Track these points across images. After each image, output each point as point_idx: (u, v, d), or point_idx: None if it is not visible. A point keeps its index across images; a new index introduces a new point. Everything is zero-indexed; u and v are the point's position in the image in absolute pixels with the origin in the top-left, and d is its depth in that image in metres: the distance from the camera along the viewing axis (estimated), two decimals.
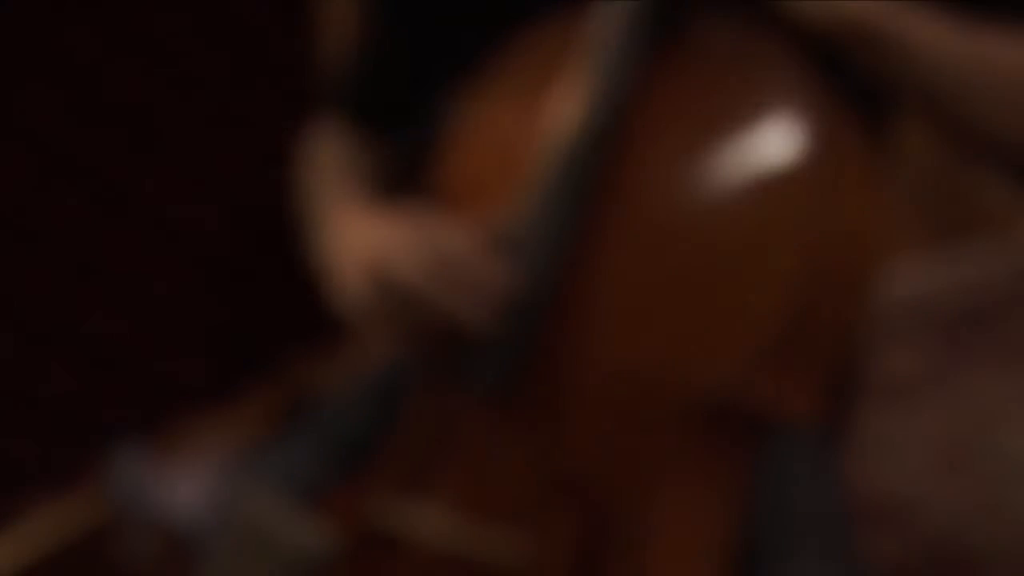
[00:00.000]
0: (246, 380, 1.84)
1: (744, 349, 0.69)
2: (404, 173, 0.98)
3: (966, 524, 1.70)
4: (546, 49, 0.81)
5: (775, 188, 0.72)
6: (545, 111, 0.77)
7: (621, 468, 0.72)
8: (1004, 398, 2.00)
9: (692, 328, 0.71)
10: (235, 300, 1.78)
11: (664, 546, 0.72)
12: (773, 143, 0.73)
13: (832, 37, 0.73)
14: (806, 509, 0.88)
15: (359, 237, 0.79)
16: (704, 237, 0.73)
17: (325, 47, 1.64)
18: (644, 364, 0.72)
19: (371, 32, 1.00)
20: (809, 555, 0.83)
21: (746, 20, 0.76)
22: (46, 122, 1.43)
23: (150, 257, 1.63)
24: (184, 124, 1.62)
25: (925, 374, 2.08)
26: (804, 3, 0.72)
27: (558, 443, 0.74)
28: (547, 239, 0.73)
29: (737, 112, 0.74)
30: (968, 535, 1.68)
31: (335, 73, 1.05)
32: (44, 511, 1.61)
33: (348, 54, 1.03)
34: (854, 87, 0.77)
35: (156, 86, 1.55)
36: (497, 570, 0.72)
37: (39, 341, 1.53)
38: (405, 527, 0.75)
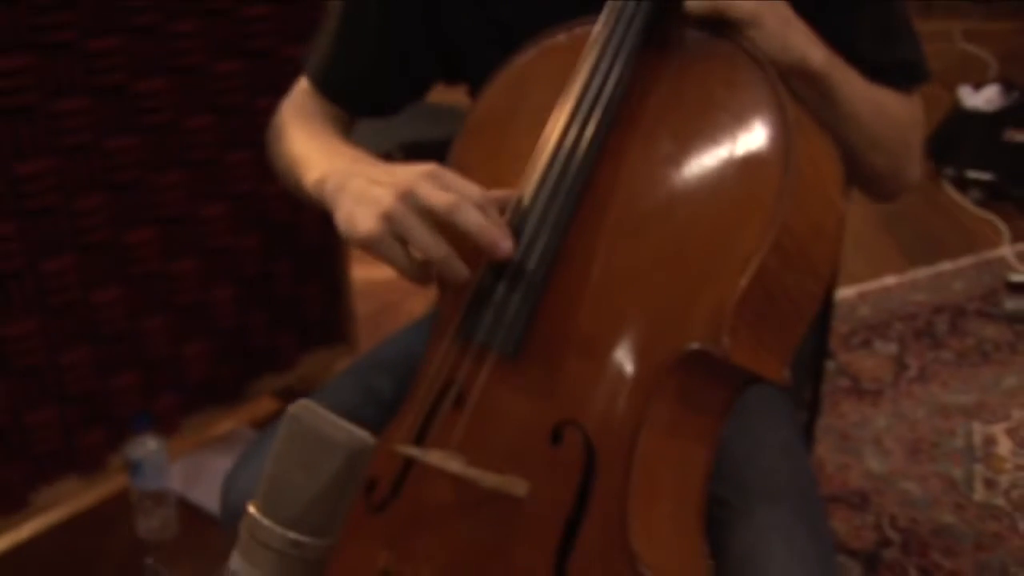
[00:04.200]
0: (255, 374, 1.91)
1: (718, 311, 0.76)
2: None
3: (934, 505, 1.78)
4: (558, 52, 0.90)
5: (748, 176, 0.80)
6: (554, 108, 0.85)
7: (613, 416, 0.80)
8: (958, 397, 2.09)
9: (674, 292, 0.78)
10: (251, 304, 1.85)
11: (646, 486, 0.79)
12: (747, 136, 0.81)
13: (787, 73, 0.83)
14: (774, 452, 0.96)
15: (378, 171, 0.83)
16: (686, 213, 0.80)
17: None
18: (634, 323, 0.79)
19: (353, 26, 1.04)
20: (778, 504, 0.91)
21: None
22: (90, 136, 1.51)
23: (178, 263, 1.71)
24: (220, 144, 1.70)
25: (895, 378, 2.16)
26: (765, 43, 0.82)
27: (558, 393, 0.81)
28: (550, 215, 0.81)
29: (715, 105, 0.83)
30: (937, 514, 1.75)
31: (312, 53, 1.08)
32: (76, 487, 1.69)
33: (326, 40, 1.06)
34: None
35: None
36: (504, 503, 0.80)
37: (77, 338, 1.60)
38: (425, 462, 0.82)
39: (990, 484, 1.81)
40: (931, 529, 1.70)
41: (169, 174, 1.64)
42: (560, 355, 0.80)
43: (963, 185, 3.03)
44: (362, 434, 0.55)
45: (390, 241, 0.79)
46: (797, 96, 0.83)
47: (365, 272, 2.23)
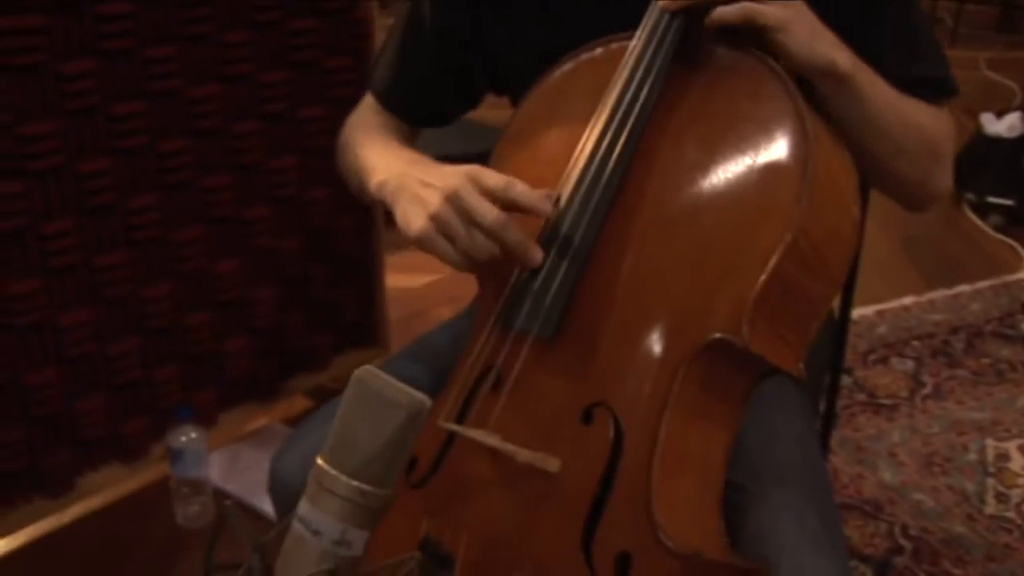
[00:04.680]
0: (290, 373, 1.98)
1: (739, 304, 0.82)
2: None
3: (945, 516, 1.83)
4: (595, 66, 0.97)
5: (769, 182, 0.87)
6: (591, 116, 0.93)
7: (640, 399, 0.86)
8: (972, 414, 2.14)
9: (699, 285, 0.85)
10: (290, 305, 1.92)
11: (669, 465, 0.85)
12: (769, 146, 0.88)
13: (815, 76, 0.90)
14: (789, 441, 1.02)
15: (431, 172, 0.90)
16: (711, 214, 0.86)
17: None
18: (661, 313, 0.86)
19: (411, 47, 1.13)
20: (791, 490, 0.97)
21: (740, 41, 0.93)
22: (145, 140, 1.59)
23: (223, 263, 1.78)
24: (265, 150, 1.78)
25: (910, 394, 2.21)
26: (794, 47, 0.89)
27: (590, 376, 0.88)
28: (586, 213, 0.88)
29: (739, 116, 0.89)
30: (948, 525, 1.80)
31: (376, 70, 1.17)
32: (119, 473, 1.76)
33: (388, 58, 1.15)
34: None
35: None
36: (537, 478, 0.86)
37: (126, 330, 1.67)
38: (466, 435, 0.89)
39: (1002, 498, 1.86)
40: (942, 539, 1.75)
41: (217, 177, 1.72)
42: (593, 341, 0.87)
43: (983, 210, 3.08)
44: (421, 396, 0.62)
45: (438, 238, 0.87)
46: (818, 109, 0.90)
47: (398, 280, 2.31)
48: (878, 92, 0.94)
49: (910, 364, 2.31)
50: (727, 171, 0.87)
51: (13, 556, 1.71)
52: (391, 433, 0.62)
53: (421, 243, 0.87)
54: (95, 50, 1.50)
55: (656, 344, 0.85)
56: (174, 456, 1.72)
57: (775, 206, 0.84)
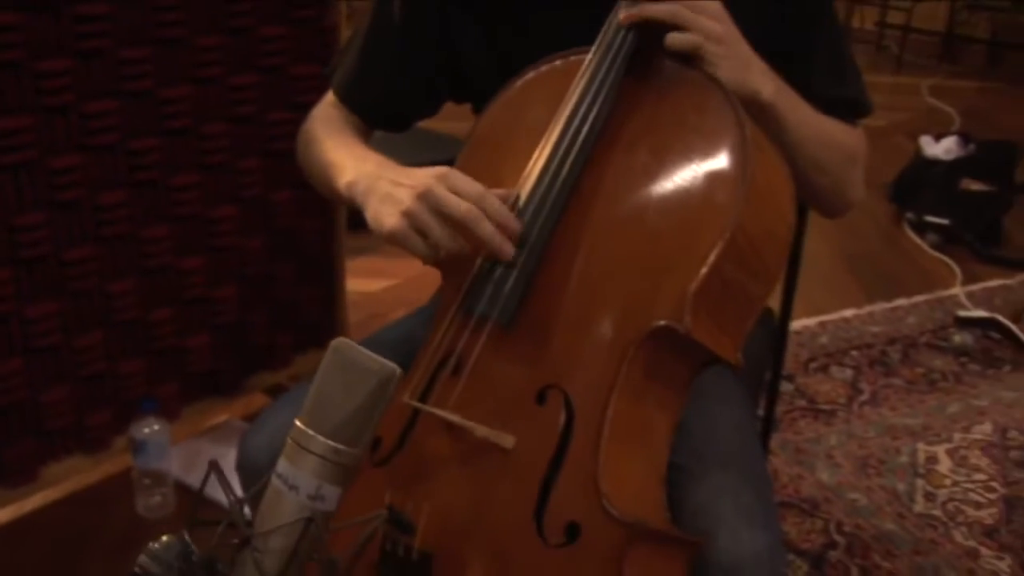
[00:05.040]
0: (251, 370, 2.02)
1: (682, 295, 0.89)
2: None
3: (877, 514, 1.92)
4: (555, 77, 1.04)
5: (711, 184, 0.94)
6: (550, 123, 1.00)
7: (590, 382, 0.93)
8: (905, 420, 2.24)
9: (646, 277, 0.91)
10: (252, 304, 1.97)
11: (616, 443, 0.92)
12: (712, 152, 0.95)
13: (742, 102, 0.98)
14: (727, 427, 1.10)
15: (400, 173, 0.96)
16: (658, 214, 0.93)
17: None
18: (611, 303, 0.93)
19: (376, 46, 1.17)
20: (730, 472, 1.04)
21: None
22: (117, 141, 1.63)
23: (188, 260, 1.83)
24: (232, 151, 1.83)
25: (848, 401, 2.31)
26: (726, 77, 0.97)
27: (544, 360, 0.94)
28: (543, 211, 0.95)
29: (685, 124, 0.97)
30: (879, 522, 1.89)
31: (340, 65, 1.21)
32: (82, 464, 1.79)
33: (351, 56, 1.19)
34: None
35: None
36: (494, 454, 0.93)
37: (92, 323, 1.71)
38: (428, 411, 0.95)
39: (930, 497, 1.96)
40: (873, 535, 1.84)
41: (185, 176, 1.76)
42: (547, 328, 0.94)
43: (922, 229, 3.21)
44: (392, 364, 0.68)
45: (410, 234, 0.93)
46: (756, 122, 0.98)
47: (357, 284, 2.37)
48: (799, 116, 1.03)
49: (849, 372, 2.41)
50: (673, 175, 0.94)
51: None
52: (364, 397, 0.68)
53: (394, 238, 0.93)
54: (71, 49, 1.54)
55: (605, 331, 0.93)
56: (137, 447, 1.76)
57: (716, 207, 0.91)
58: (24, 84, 1.51)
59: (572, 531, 0.88)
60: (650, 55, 1.00)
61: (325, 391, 0.68)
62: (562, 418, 0.92)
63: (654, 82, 1.00)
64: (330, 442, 0.68)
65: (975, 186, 3.22)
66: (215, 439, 1.98)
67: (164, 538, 0.68)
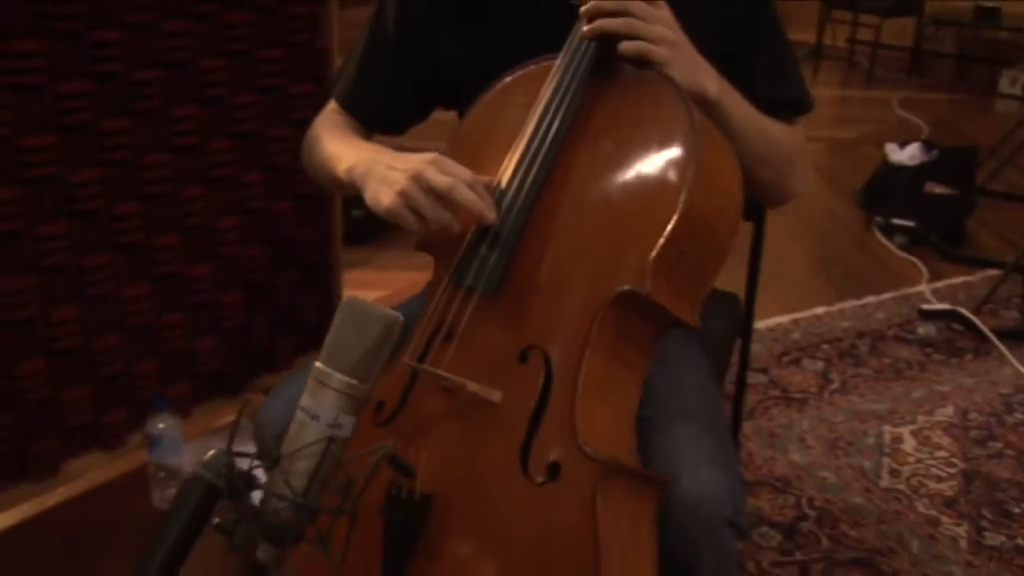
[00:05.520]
0: (255, 372, 2.14)
1: (643, 262, 1.02)
2: None
3: (845, 489, 2.05)
4: (528, 80, 1.18)
5: (667, 167, 1.08)
6: (525, 119, 1.14)
7: (566, 342, 1.05)
8: (873, 405, 2.38)
9: (612, 249, 1.04)
10: (256, 309, 2.09)
11: (590, 395, 1.04)
12: (667, 140, 1.09)
13: (692, 99, 1.12)
14: (691, 386, 1.23)
15: (396, 159, 1.09)
16: (621, 193, 1.07)
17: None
18: (582, 271, 1.05)
19: (372, 58, 1.32)
20: (692, 423, 1.17)
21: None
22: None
23: (196, 267, 1.95)
24: (236, 164, 1.96)
25: (819, 389, 2.44)
26: (675, 75, 1.11)
27: (525, 324, 1.07)
28: (521, 194, 1.08)
29: (643, 117, 1.11)
30: (847, 497, 2.02)
31: (341, 76, 1.36)
32: (101, 460, 1.91)
33: (351, 67, 1.33)
34: None
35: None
36: (484, 408, 1.05)
37: (109, 326, 1.83)
38: (426, 370, 1.08)
39: (895, 473, 2.09)
40: (842, 508, 1.97)
41: (193, 188, 1.89)
42: (527, 296, 1.07)
43: (890, 231, 3.36)
44: (395, 312, 0.81)
45: (405, 212, 1.06)
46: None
47: (354, 291, 2.49)
48: (741, 113, 1.17)
49: (820, 364, 2.54)
50: (634, 160, 1.08)
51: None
52: (373, 340, 0.81)
53: (391, 215, 1.07)
54: (88, 73, 1.68)
55: (578, 297, 1.06)
56: (152, 442, 1.88)
57: (671, 186, 1.05)
58: (47, 105, 1.64)
59: (553, 470, 1.01)
60: (612, 59, 1.14)
61: (339, 338, 0.81)
62: (542, 374, 1.05)
63: (616, 82, 1.14)
64: (345, 378, 0.80)
65: (939, 189, 3.37)
66: (226, 437, 2.09)
67: (211, 452, 0.80)
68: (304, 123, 1.75)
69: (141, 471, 1.95)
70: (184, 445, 1.94)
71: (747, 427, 2.23)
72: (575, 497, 1.00)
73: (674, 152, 1.07)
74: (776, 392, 2.40)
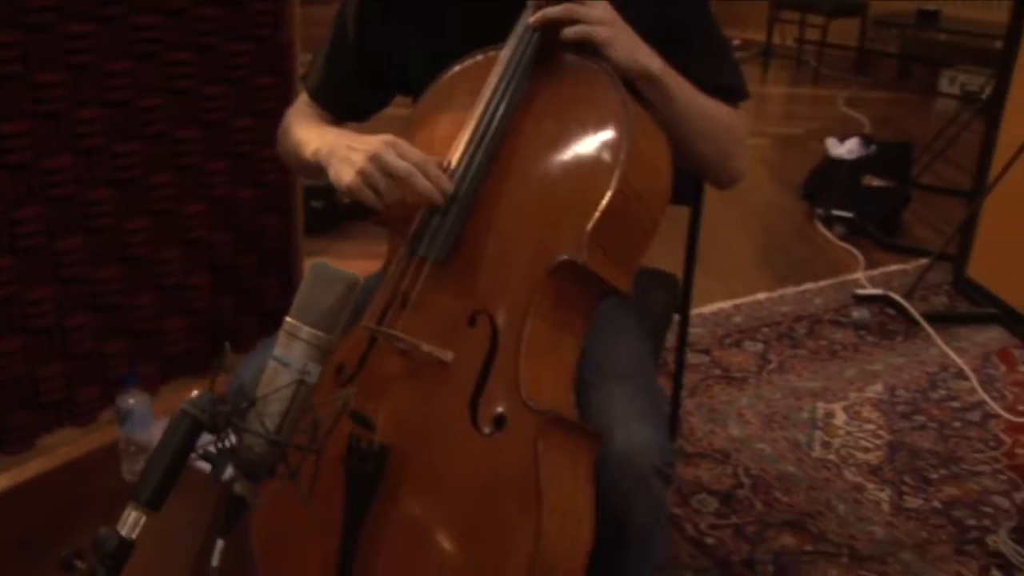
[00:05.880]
0: (220, 351, 2.22)
1: (580, 233, 1.14)
2: None
3: (780, 460, 2.18)
4: (476, 68, 1.29)
5: (602, 146, 1.19)
6: (473, 104, 1.25)
7: (510, 307, 1.16)
8: (808, 384, 2.52)
9: (552, 221, 1.16)
10: (222, 291, 2.18)
11: (533, 354, 1.15)
12: (602, 121, 1.20)
13: (635, 77, 1.24)
14: (626, 352, 1.34)
15: (356, 140, 1.20)
16: (561, 170, 1.18)
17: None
18: (524, 243, 1.17)
19: (337, 55, 1.43)
20: (626, 384, 1.28)
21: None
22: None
23: (165, 251, 2.04)
24: (203, 153, 2.05)
25: (758, 369, 2.58)
26: (617, 56, 1.22)
27: (474, 291, 1.17)
28: (470, 171, 1.19)
29: (581, 102, 1.22)
30: (781, 466, 2.16)
31: (310, 71, 1.47)
32: (73, 435, 2.00)
33: (319, 63, 1.45)
34: None
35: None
36: (437, 367, 1.16)
37: (81, 306, 1.92)
38: (384, 336, 1.19)
39: (826, 445, 2.23)
40: (776, 476, 2.10)
41: (161, 175, 1.98)
42: (475, 265, 1.18)
43: (829, 222, 3.51)
44: (355, 273, 0.92)
45: (363, 187, 1.17)
46: (641, 101, 1.23)
47: None
48: (683, 91, 1.28)
49: (760, 346, 2.68)
50: (573, 141, 1.20)
51: None
52: (336, 297, 0.91)
53: (351, 191, 1.17)
54: (62, 63, 1.76)
55: (521, 265, 1.17)
56: (123, 417, 1.96)
57: (605, 165, 1.17)
58: (22, 94, 1.72)
59: (499, 421, 1.12)
60: (553, 48, 1.25)
61: (306, 296, 0.92)
62: (489, 336, 1.16)
63: (557, 69, 1.25)
64: (313, 330, 0.91)
65: (876, 182, 3.53)
66: None
67: (196, 392, 0.90)
68: (268, 113, 1.87)
69: (112, 446, 2.04)
70: (154, 421, 2.02)
71: (689, 404, 2.36)
72: (519, 446, 1.11)
73: (609, 134, 1.19)
74: (717, 372, 2.53)
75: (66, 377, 1.94)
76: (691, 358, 2.57)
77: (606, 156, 1.18)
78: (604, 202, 1.15)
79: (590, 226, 1.14)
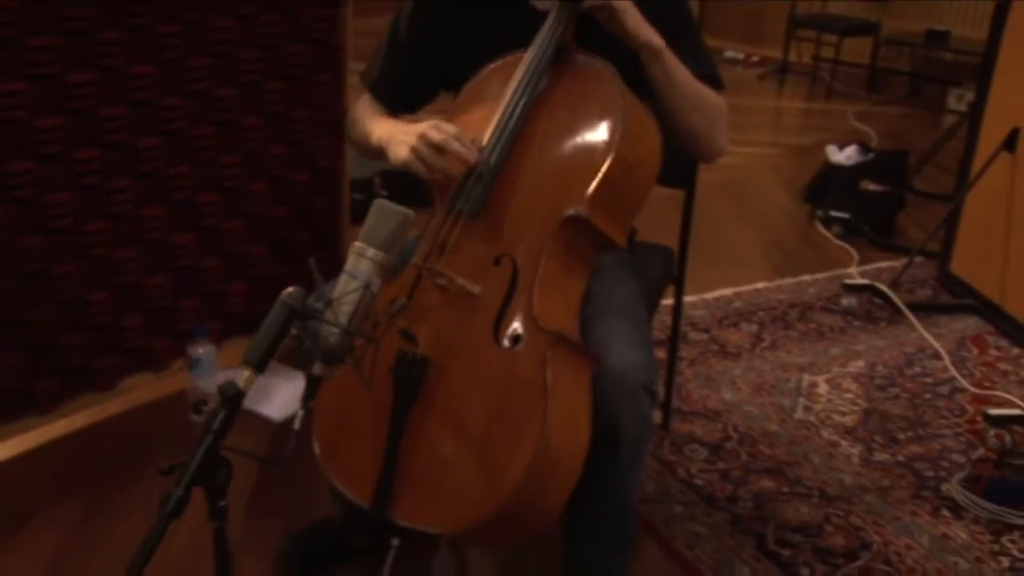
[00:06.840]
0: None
1: (583, 193, 1.44)
2: None
3: (765, 420, 2.46)
4: (505, 68, 1.60)
5: (603, 126, 1.49)
6: (501, 95, 1.55)
7: (528, 252, 1.46)
8: (796, 359, 2.80)
9: (562, 184, 1.46)
10: (279, 260, 2.49)
11: (545, 290, 1.45)
12: (604, 108, 1.51)
13: (641, 47, 1.53)
14: (622, 295, 1.64)
15: (409, 127, 1.51)
16: (571, 145, 1.49)
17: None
18: (541, 199, 1.47)
19: (392, 56, 1.74)
20: (621, 319, 1.57)
21: (596, 50, 1.56)
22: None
23: (233, 223, 2.35)
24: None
25: (752, 346, 2.86)
26: (630, 25, 1.50)
27: (499, 238, 1.48)
28: (499, 145, 1.49)
29: (588, 94, 1.53)
30: (766, 425, 2.44)
31: (370, 71, 1.78)
32: (150, 379, 2.30)
33: (377, 62, 1.76)
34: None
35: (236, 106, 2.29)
36: (468, 298, 1.46)
37: (159, 268, 2.22)
38: (427, 272, 1.49)
39: (807, 409, 2.50)
40: (760, 433, 2.38)
41: (230, 156, 2.29)
42: (501, 217, 1.48)
43: (828, 222, 3.78)
44: (409, 210, 1.22)
45: (416, 161, 1.48)
46: (639, 93, 1.53)
47: None
48: (679, 68, 1.56)
49: (755, 327, 2.96)
50: (580, 124, 1.50)
51: (57, 443, 2.23)
52: (394, 226, 1.21)
53: (406, 165, 1.49)
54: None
55: (538, 218, 1.47)
56: (193, 362, 2.27)
57: (604, 139, 1.47)
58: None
59: (516, 339, 1.42)
60: (568, 51, 1.55)
61: (372, 225, 1.22)
62: (510, 274, 1.46)
63: (570, 67, 1.55)
64: (376, 250, 1.21)
65: (873, 187, 3.80)
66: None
67: (290, 288, 1.20)
68: (322, 107, 2.18)
69: (180, 393, 2.34)
70: (218, 370, 2.33)
71: (687, 372, 2.64)
72: (532, 358, 1.41)
73: (609, 119, 1.49)
74: (715, 347, 2.82)
75: (145, 328, 2.25)
76: (692, 336, 2.86)
77: (605, 135, 1.48)
78: (603, 169, 1.45)
79: (591, 189, 1.44)
